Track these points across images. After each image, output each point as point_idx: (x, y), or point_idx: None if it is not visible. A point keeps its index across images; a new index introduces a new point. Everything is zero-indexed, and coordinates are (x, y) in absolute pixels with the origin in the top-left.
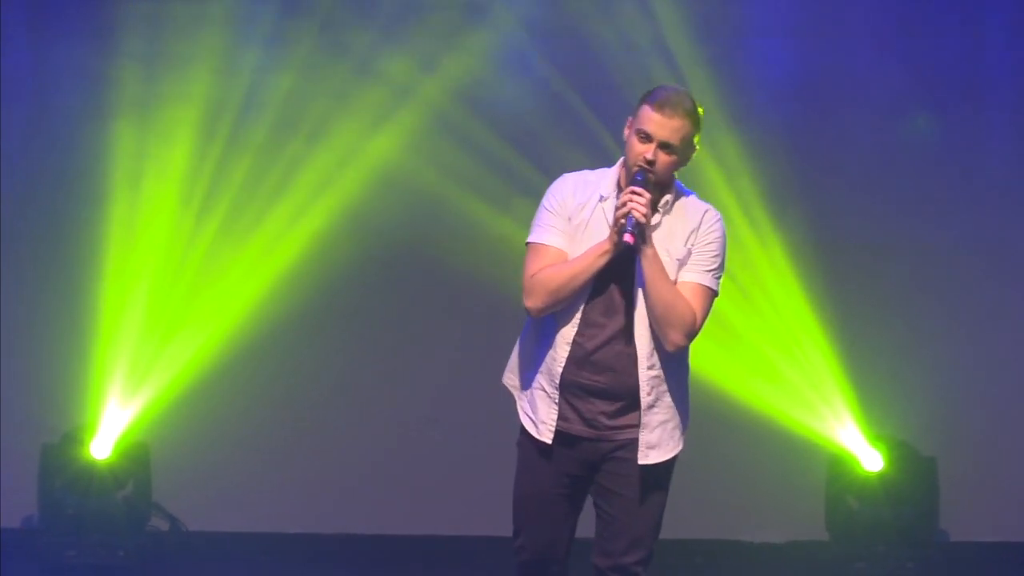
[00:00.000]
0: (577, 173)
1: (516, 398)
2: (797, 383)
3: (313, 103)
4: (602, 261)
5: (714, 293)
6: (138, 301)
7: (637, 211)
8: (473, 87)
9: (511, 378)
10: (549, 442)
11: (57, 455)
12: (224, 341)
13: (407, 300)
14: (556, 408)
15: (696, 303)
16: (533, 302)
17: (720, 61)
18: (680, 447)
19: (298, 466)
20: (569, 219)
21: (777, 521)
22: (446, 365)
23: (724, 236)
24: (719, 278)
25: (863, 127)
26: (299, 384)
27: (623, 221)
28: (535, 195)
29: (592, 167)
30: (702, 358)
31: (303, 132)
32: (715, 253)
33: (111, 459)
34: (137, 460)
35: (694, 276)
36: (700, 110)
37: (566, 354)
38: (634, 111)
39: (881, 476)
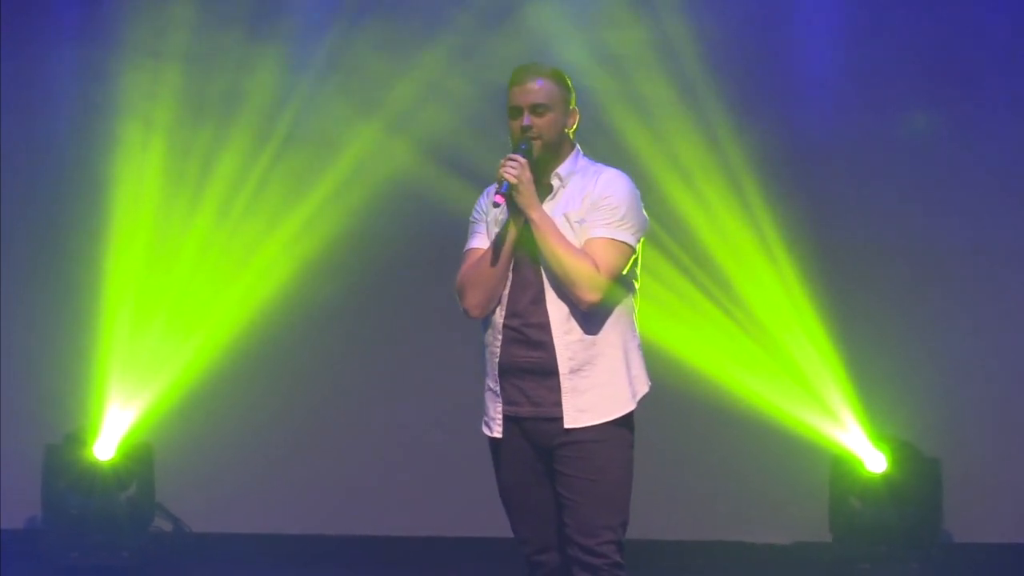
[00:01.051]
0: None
1: None
2: (800, 383)
3: (331, 103)
4: (503, 234)
5: (625, 245)
6: (141, 302)
7: (508, 173)
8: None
9: None
10: (500, 436)
11: (60, 456)
12: (228, 342)
13: (412, 303)
14: (500, 400)
15: (599, 256)
16: (465, 301)
17: (724, 61)
18: (628, 409)
19: (302, 467)
20: (485, 220)
21: (780, 522)
22: (450, 368)
23: (629, 192)
24: (630, 230)
25: (867, 125)
26: (303, 386)
27: (498, 186)
28: None
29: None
30: (705, 358)
31: (320, 132)
32: (614, 206)
33: (114, 460)
34: (140, 461)
35: (595, 231)
36: (564, 75)
37: (499, 340)
38: None
39: (885, 477)
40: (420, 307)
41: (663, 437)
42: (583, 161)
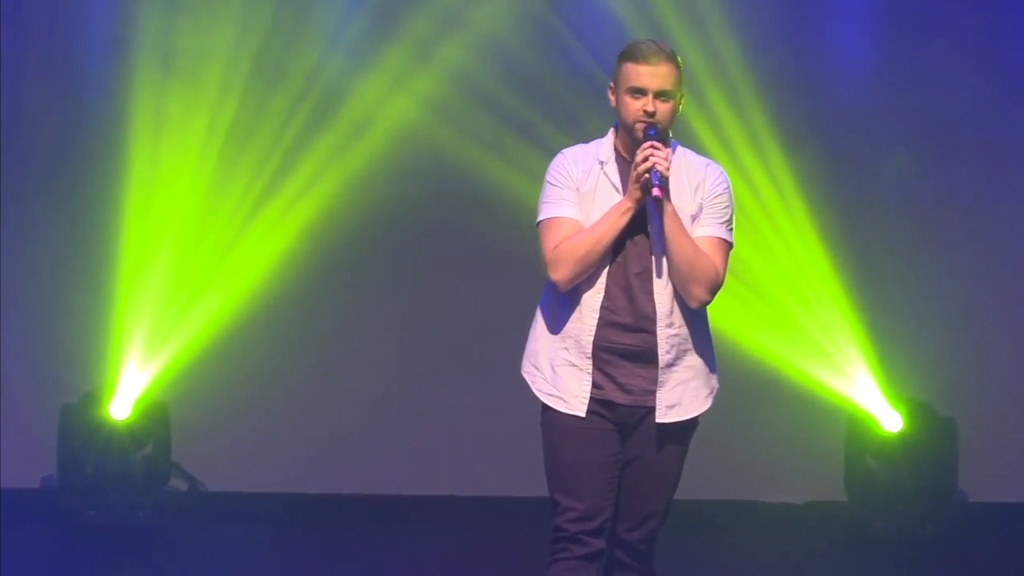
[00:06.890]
0: (573, 147)
1: (532, 383)
2: (816, 343)
3: (331, 64)
4: (625, 219)
5: (730, 246)
6: (158, 261)
7: (660, 164)
8: (494, 48)
9: (528, 365)
10: (583, 415)
11: (76, 415)
12: (244, 301)
13: (426, 263)
14: (589, 378)
15: (717, 257)
16: (561, 273)
17: (743, 23)
18: (705, 407)
19: (318, 426)
20: (577, 189)
21: (795, 482)
22: (467, 326)
23: (730, 189)
24: (732, 230)
25: (885, 87)
26: (319, 345)
27: (647, 176)
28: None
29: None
30: (721, 314)
31: (322, 93)
32: (725, 205)
33: (130, 419)
34: (156, 420)
35: (710, 230)
36: (679, 58)
37: (595, 321)
38: (615, 75)
39: (900, 436)
40: (438, 268)
41: None
42: (680, 148)
